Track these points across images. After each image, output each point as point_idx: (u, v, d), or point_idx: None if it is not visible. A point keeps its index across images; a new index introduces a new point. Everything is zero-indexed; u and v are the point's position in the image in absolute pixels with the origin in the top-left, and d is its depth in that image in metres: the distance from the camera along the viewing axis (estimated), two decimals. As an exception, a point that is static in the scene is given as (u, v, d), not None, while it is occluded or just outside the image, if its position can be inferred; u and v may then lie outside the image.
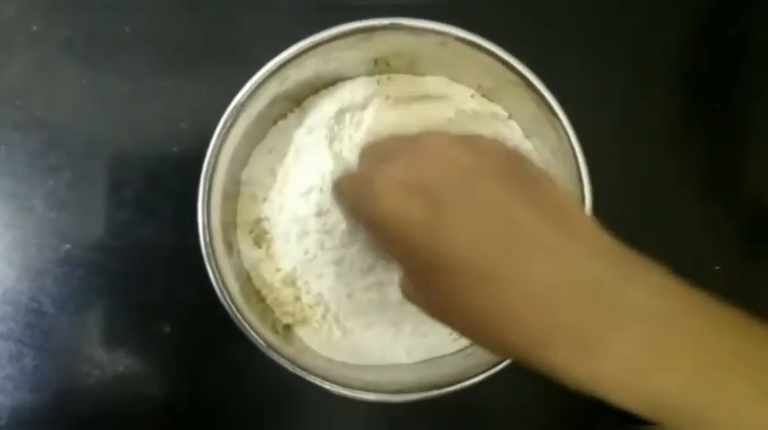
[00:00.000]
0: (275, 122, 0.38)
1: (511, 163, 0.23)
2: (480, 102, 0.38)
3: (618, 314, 0.20)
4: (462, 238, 0.21)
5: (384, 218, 0.22)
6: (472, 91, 0.38)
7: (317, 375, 0.33)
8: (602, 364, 0.20)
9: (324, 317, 0.37)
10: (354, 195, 0.25)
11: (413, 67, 0.38)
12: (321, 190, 0.35)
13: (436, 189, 0.22)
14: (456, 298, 0.22)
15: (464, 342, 0.38)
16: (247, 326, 0.33)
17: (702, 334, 0.21)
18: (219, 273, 0.34)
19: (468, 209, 0.22)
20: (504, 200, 0.22)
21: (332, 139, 0.37)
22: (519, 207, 0.22)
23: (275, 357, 0.33)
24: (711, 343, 0.21)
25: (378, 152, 0.26)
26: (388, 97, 0.37)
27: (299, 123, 0.38)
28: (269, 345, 0.33)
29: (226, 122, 0.34)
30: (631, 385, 0.20)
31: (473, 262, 0.21)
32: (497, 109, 0.38)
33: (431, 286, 0.23)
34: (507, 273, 0.21)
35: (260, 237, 0.38)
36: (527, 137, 0.38)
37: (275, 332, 0.36)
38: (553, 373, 0.21)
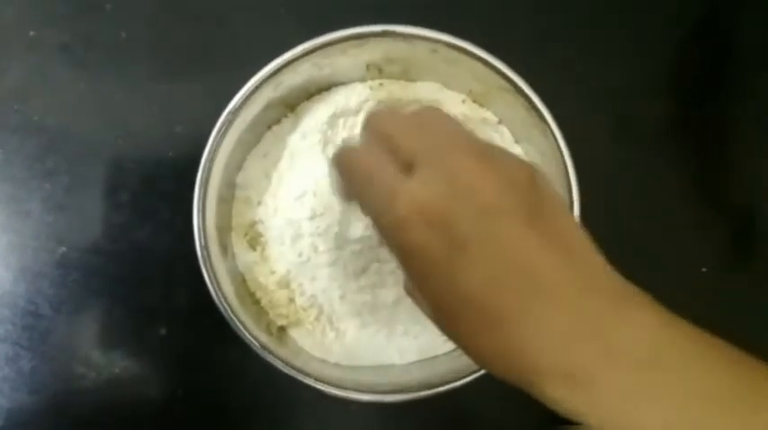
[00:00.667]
0: (269, 127, 0.39)
1: (533, 194, 0.23)
2: (471, 107, 0.39)
3: (611, 356, 0.21)
4: (480, 280, 0.22)
5: (404, 245, 0.23)
6: (463, 96, 0.39)
7: (310, 376, 0.34)
8: (592, 401, 0.21)
9: (317, 318, 0.37)
10: (368, 196, 0.25)
11: (405, 73, 0.39)
12: (315, 194, 0.36)
13: (459, 225, 0.22)
14: (462, 325, 0.23)
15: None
16: (242, 328, 0.34)
17: (694, 376, 0.21)
18: (215, 275, 0.34)
19: (488, 251, 0.22)
20: (524, 245, 0.22)
21: (325, 144, 0.37)
22: (536, 250, 0.22)
23: (270, 358, 0.34)
24: (703, 384, 0.21)
25: (389, 137, 0.25)
26: (380, 102, 0.38)
27: (293, 128, 0.38)
28: (263, 347, 0.34)
29: (221, 127, 0.34)
30: (618, 422, 0.21)
31: (488, 303, 0.22)
32: (488, 114, 0.39)
33: (437, 306, 0.24)
34: (519, 317, 0.22)
35: (254, 240, 0.38)
36: (517, 142, 0.39)
37: (269, 334, 0.36)
38: (546, 403, 0.22)
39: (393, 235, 0.23)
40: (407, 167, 0.23)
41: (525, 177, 0.23)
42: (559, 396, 0.22)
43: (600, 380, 0.21)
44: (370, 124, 0.26)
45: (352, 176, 0.26)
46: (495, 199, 0.22)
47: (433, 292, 0.23)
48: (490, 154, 0.24)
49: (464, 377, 0.34)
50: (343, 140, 0.37)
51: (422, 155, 0.23)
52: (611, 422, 0.21)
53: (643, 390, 0.21)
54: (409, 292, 0.27)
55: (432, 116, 0.25)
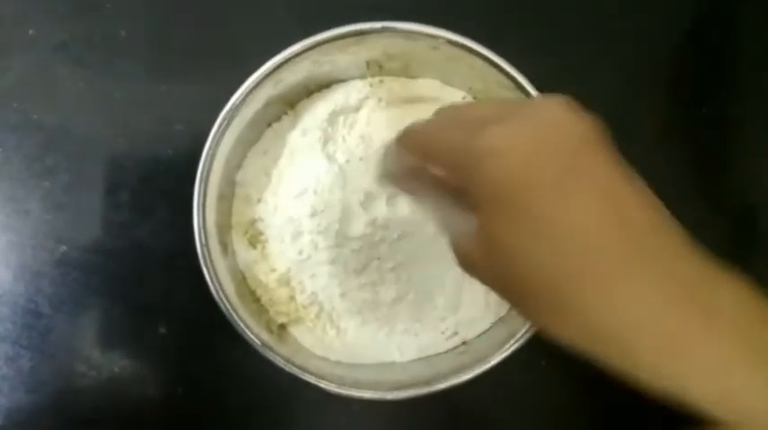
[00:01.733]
0: (269, 125, 0.39)
1: (613, 149, 0.23)
2: (472, 104, 0.39)
3: (711, 314, 0.21)
4: (583, 216, 0.21)
5: (492, 172, 0.21)
6: (463, 93, 0.39)
7: (311, 374, 0.34)
8: (688, 362, 0.20)
9: (318, 316, 0.37)
10: (448, 150, 0.23)
11: (405, 70, 0.39)
12: (315, 191, 0.36)
13: (551, 157, 0.21)
14: (548, 271, 0.21)
15: (456, 340, 0.38)
16: (242, 326, 0.34)
17: None
18: (215, 273, 0.34)
19: (586, 187, 0.21)
20: (623, 190, 0.21)
21: (325, 142, 0.37)
22: (633, 199, 0.21)
23: (270, 356, 0.34)
24: None
25: (471, 116, 0.24)
26: (380, 100, 0.38)
27: (293, 126, 0.38)
28: (264, 345, 0.34)
29: (220, 125, 0.34)
30: (717, 386, 0.20)
31: (589, 240, 0.21)
32: (489, 111, 0.39)
33: (517, 254, 0.22)
34: (615, 264, 0.21)
35: (255, 238, 0.38)
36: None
37: (270, 331, 0.36)
38: (635, 365, 0.21)
39: (479, 166, 0.21)
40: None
41: (601, 128, 0.22)
42: (655, 354, 0.21)
43: (699, 343, 0.20)
44: (408, 145, 0.26)
45: (429, 141, 0.25)
46: (594, 142, 0.21)
47: (518, 232, 0.21)
48: (566, 104, 0.23)
49: (464, 374, 0.34)
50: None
51: (494, 117, 0.22)
52: (711, 388, 0.20)
53: (746, 351, 0.20)
54: (465, 254, 0.24)
55: (541, 104, 0.24)
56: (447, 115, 0.26)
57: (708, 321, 0.21)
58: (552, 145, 0.21)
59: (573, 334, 0.22)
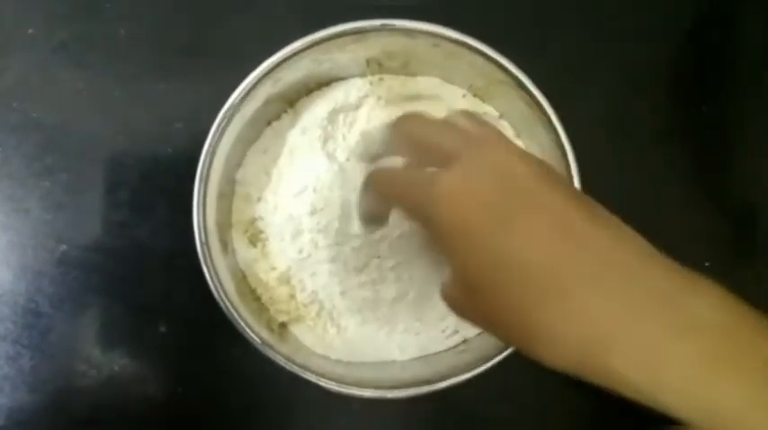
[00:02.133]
0: (269, 123, 0.39)
1: (567, 182, 0.25)
2: (472, 102, 0.39)
3: (681, 323, 0.21)
4: (537, 247, 0.22)
5: (448, 219, 0.23)
6: (464, 91, 0.39)
7: (312, 372, 0.34)
8: (663, 372, 0.20)
9: (318, 315, 0.37)
10: (408, 195, 0.25)
11: (405, 68, 0.38)
12: (315, 189, 0.36)
13: (505, 198, 0.22)
14: (513, 301, 0.22)
15: (457, 339, 0.38)
16: (243, 325, 0.34)
17: (762, 344, 0.21)
18: (215, 272, 0.34)
19: (540, 220, 0.22)
20: (577, 216, 0.22)
21: (325, 140, 0.37)
22: (589, 223, 0.22)
23: (271, 355, 0.34)
24: None
25: (421, 141, 0.26)
26: (380, 98, 0.38)
27: (293, 124, 0.38)
28: (264, 343, 0.34)
29: (220, 123, 0.34)
30: (692, 394, 0.20)
31: (549, 272, 0.21)
32: (488, 109, 0.39)
33: (485, 290, 0.23)
34: (583, 285, 0.21)
35: (255, 237, 0.38)
36: (518, 136, 0.39)
37: (270, 330, 0.36)
38: (610, 380, 0.21)
39: (436, 211, 0.23)
40: (444, 164, 0.24)
41: (552, 168, 0.24)
42: (628, 367, 0.21)
43: (672, 350, 0.20)
44: (402, 128, 0.27)
45: (392, 185, 0.27)
46: (536, 179, 0.23)
47: (480, 269, 0.22)
48: (520, 149, 0.24)
49: (465, 373, 0.34)
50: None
51: (458, 150, 0.24)
52: (685, 400, 0.20)
53: (718, 359, 0.20)
54: (450, 298, 0.26)
55: (461, 117, 0.26)
56: (406, 137, 0.27)
57: (678, 333, 0.21)
58: (500, 186, 0.23)
59: (550, 358, 0.22)
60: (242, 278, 0.38)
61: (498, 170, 0.23)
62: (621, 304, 0.21)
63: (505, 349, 0.33)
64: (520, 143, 0.38)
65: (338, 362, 0.37)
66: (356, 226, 0.35)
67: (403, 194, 0.26)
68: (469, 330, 0.38)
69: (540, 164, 0.24)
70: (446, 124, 0.26)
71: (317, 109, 0.38)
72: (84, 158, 0.41)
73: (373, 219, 0.32)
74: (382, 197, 0.28)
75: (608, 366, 0.21)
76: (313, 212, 0.35)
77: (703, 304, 0.21)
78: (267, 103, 0.37)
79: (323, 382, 0.34)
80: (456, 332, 0.38)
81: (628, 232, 0.23)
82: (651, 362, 0.20)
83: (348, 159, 0.37)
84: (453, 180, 0.23)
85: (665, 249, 0.40)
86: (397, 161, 0.29)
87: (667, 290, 0.21)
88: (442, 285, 0.26)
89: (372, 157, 0.31)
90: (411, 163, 0.27)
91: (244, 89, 0.34)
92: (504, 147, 0.24)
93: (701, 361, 0.20)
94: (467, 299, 0.24)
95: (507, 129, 0.39)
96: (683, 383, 0.20)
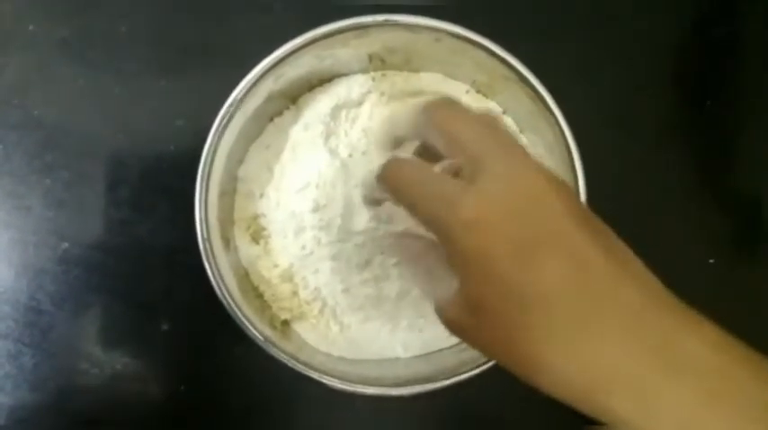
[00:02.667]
0: (271, 119, 0.39)
1: (587, 210, 0.24)
2: (475, 98, 0.39)
3: (678, 364, 0.21)
4: (546, 280, 0.22)
5: (470, 247, 0.23)
6: (467, 87, 0.39)
7: (315, 370, 0.34)
8: (659, 415, 0.21)
9: (321, 312, 0.37)
10: (428, 205, 0.25)
11: (408, 64, 0.38)
12: (317, 186, 0.36)
13: (527, 227, 0.22)
14: (519, 332, 0.23)
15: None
16: (246, 322, 0.34)
17: (756, 386, 0.21)
18: (217, 269, 0.34)
19: (559, 255, 0.22)
20: (593, 253, 0.22)
21: (328, 136, 0.37)
22: (603, 260, 0.22)
23: (274, 352, 0.34)
24: (765, 396, 0.21)
25: (456, 137, 0.25)
26: (383, 94, 0.37)
27: (295, 120, 0.38)
28: (267, 341, 0.34)
29: (222, 120, 0.34)
30: None
31: (553, 301, 0.22)
32: (492, 105, 0.39)
33: (492, 316, 0.23)
34: (580, 321, 0.22)
35: (257, 234, 0.38)
36: (521, 132, 0.39)
37: (273, 327, 0.36)
38: (608, 417, 0.22)
39: (456, 233, 0.23)
40: (471, 165, 0.24)
41: (572, 192, 0.24)
42: (626, 409, 0.21)
43: (668, 392, 0.21)
44: (436, 116, 0.26)
45: (410, 186, 0.26)
46: (561, 208, 0.23)
47: (492, 296, 0.23)
48: (547, 170, 0.24)
49: (468, 370, 0.34)
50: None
51: (484, 155, 0.24)
52: None
53: (711, 400, 0.21)
54: (449, 317, 0.25)
55: (492, 122, 0.25)
56: (439, 126, 0.26)
57: (675, 374, 0.21)
58: (524, 215, 0.23)
59: (548, 389, 0.23)
60: (244, 275, 0.38)
61: (524, 196, 0.23)
62: (621, 346, 0.22)
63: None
64: (523, 140, 0.38)
65: (341, 359, 0.37)
66: (358, 222, 0.35)
67: (421, 202, 0.25)
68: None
69: (563, 187, 0.24)
70: (478, 120, 0.25)
71: (320, 105, 0.38)
72: (85, 156, 0.41)
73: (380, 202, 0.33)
74: (394, 197, 0.28)
75: (606, 405, 0.22)
76: (315, 209, 0.35)
77: (700, 344, 0.22)
78: (269, 99, 0.36)
79: (326, 380, 0.33)
80: (459, 329, 0.38)
81: (638, 268, 0.23)
82: (648, 405, 0.21)
83: (351, 155, 0.36)
84: (479, 206, 0.23)
85: (669, 247, 0.41)
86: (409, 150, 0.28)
87: (667, 330, 0.22)
88: (438, 302, 0.26)
89: (394, 142, 0.30)
90: (429, 151, 0.27)
91: (246, 85, 0.34)
92: (533, 166, 0.24)
93: (696, 402, 0.21)
94: (469, 320, 0.24)
95: (511, 126, 0.38)
96: (678, 426, 0.21)
